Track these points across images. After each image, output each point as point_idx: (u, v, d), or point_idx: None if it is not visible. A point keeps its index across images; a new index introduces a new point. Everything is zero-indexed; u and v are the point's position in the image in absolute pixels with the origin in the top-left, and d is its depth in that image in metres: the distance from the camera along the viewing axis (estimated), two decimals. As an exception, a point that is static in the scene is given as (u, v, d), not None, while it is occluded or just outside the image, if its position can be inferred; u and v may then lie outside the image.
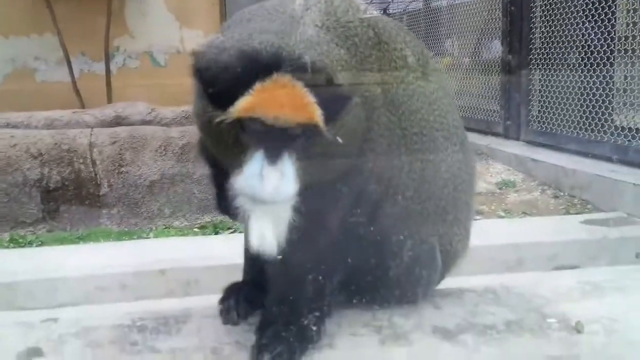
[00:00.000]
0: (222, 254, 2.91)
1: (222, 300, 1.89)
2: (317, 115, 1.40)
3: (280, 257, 1.53)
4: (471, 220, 2.05)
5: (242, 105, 1.39)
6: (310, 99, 1.39)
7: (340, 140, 1.49)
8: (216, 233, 3.63)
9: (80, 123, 4.37)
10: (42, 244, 3.50)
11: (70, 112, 4.60)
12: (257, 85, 1.37)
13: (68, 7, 6.52)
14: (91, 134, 3.92)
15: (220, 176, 1.61)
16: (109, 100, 5.88)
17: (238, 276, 1.99)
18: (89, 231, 3.68)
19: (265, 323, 1.66)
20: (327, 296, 1.67)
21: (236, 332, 1.81)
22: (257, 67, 1.38)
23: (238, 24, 1.61)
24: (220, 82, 1.42)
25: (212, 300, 1.94)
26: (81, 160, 3.80)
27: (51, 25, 6.03)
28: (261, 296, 1.75)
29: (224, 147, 1.52)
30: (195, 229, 3.74)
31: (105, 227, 3.75)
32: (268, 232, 1.49)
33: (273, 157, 1.44)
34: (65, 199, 3.79)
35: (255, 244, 1.50)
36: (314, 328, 1.63)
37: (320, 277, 1.64)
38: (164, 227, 3.77)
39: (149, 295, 2.83)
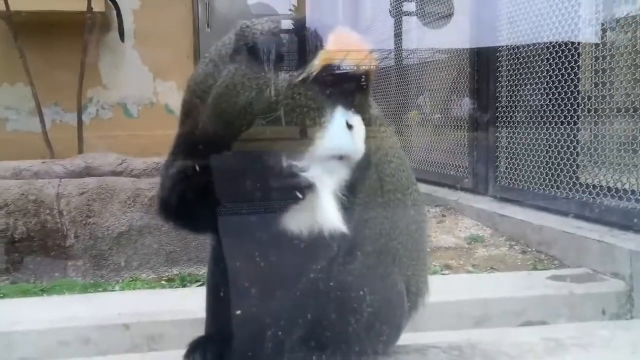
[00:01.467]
0: (188, 307, 2.87)
1: (188, 355, 1.87)
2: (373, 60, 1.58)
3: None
4: (428, 266, 2.09)
5: (324, 55, 1.51)
6: (366, 45, 1.58)
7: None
8: (183, 286, 3.58)
9: (50, 173, 4.33)
10: (4, 296, 3.42)
11: (39, 162, 4.56)
12: (331, 37, 1.53)
13: (42, 58, 6.55)
14: (59, 185, 3.89)
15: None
16: (80, 150, 5.85)
17: (203, 330, 1.97)
18: (54, 283, 3.61)
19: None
20: (288, 352, 1.66)
21: (199, 388, 1.78)
22: (325, 27, 1.55)
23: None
24: (301, 44, 1.55)
25: (176, 355, 1.91)
26: (48, 211, 3.75)
27: (24, 75, 6.02)
28: (227, 350, 1.73)
29: (297, 116, 1.53)
30: (163, 282, 3.69)
31: (70, 279, 3.68)
32: (334, 205, 1.52)
33: (343, 106, 1.55)
34: (30, 250, 3.72)
35: (324, 219, 1.51)
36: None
37: (282, 333, 1.63)
38: (130, 279, 3.72)
39: (112, 350, 2.77)
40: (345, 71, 1.54)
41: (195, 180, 1.63)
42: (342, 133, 1.51)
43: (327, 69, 1.51)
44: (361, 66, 1.56)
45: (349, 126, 1.52)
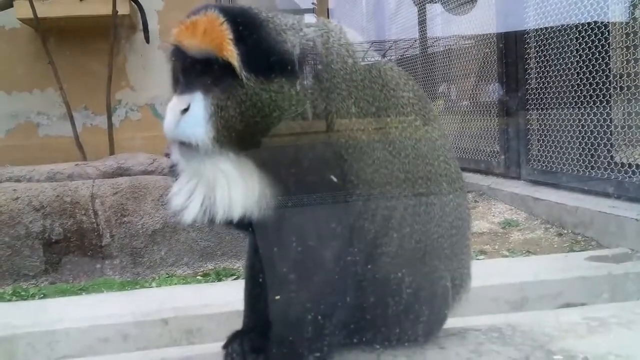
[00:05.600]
0: (224, 301, 2.89)
1: (226, 345, 1.88)
2: (230, 49, 1.43)
3: (277, 296, 1.52)
4: (471, 259, 2.05)
5: (172, 34, 1.50)
6: (228, 34, 1.43)
7: (272, 109, 1.49)
8: (219, 280, 3.61)
9: (83, 175, 4.40)
10: (44, 296, 3.48)
11: (72, 164, 4.62)
12: (187, 17, 1.48)
13: (70, 63, 6.63)
14: (93, 185, 3.94)
15: None
16: (112, 152, 5.92)
17: (241, 323, 1.97)
18: (92, 282, 3.66)
19: (267, 366, 1.64)
20: (328, 336, 1.65)
21: (238, 377, 1.79)
22: (197, 8, 1.49)
23: None
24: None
25: (215, 348, 1.92)
26: (83, 212, 3.81)
27: (53, 80, 6.11)
28: (265, 341, 1.73)
29: None
30: (198, 277, 3.72)
31: (107, 278, 3.73)
32: (186, 189, 1.50)
33: (185, 89, 1.48)
34: (68, 250, 3.78)
35: (172, 203, 1.52)
36: (315, 369, 1.60)
37: (320, 317, 1.61)
38: (166, 275, 3.76)
39: (151, 345, 2.80)
40: (186, 54, 1.48)
41: None
42: (171, 117, 1.46)
43: (175, 51, 1.51)
44: (200, 48, 1.45)
45: (173, 103, 1.47)
